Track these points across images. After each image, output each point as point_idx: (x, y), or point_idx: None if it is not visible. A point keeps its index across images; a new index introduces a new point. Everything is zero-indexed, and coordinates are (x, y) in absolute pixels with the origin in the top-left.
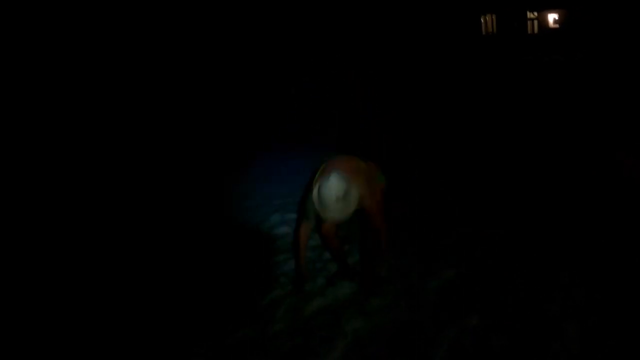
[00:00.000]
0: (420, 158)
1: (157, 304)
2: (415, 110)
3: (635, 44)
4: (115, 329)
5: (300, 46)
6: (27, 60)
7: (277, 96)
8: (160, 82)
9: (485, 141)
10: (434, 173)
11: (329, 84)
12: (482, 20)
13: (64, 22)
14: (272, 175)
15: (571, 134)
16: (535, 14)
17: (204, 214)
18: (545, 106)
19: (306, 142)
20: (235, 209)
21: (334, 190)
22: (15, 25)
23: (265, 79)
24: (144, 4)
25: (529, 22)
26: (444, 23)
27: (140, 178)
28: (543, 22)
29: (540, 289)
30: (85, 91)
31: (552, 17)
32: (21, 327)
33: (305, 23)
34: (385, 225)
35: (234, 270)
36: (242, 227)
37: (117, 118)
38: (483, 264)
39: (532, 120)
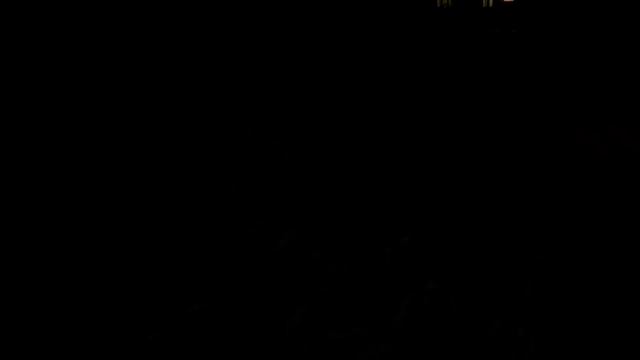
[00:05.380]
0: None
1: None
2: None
3: (589, 18)
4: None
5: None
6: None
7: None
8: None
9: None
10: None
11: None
12: None
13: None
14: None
15: (526, 108)
16: None
17: (167, 173)
18: (498, 82)
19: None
20: (193, 175)
21: None
22: (15, 25)
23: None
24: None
25: None
26: None
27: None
28: None
29: (496, 252)
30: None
31: None
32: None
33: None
34: None
35: (188, 234)
36: (197, 191)
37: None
38: (438, 229)
39: (487, 96)
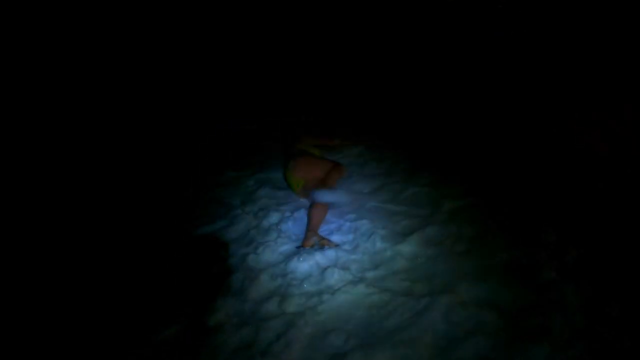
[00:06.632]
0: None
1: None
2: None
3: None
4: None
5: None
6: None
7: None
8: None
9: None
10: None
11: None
12: None
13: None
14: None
15: (526, 107)
16: None
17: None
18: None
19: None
20: (178, 175)
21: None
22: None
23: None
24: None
25: None
26: None
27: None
28: None
29: (527, 251)
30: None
31: None
32: None
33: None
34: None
35: (173, 243)
36: (180, 194)
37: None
38: (456, 224)
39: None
